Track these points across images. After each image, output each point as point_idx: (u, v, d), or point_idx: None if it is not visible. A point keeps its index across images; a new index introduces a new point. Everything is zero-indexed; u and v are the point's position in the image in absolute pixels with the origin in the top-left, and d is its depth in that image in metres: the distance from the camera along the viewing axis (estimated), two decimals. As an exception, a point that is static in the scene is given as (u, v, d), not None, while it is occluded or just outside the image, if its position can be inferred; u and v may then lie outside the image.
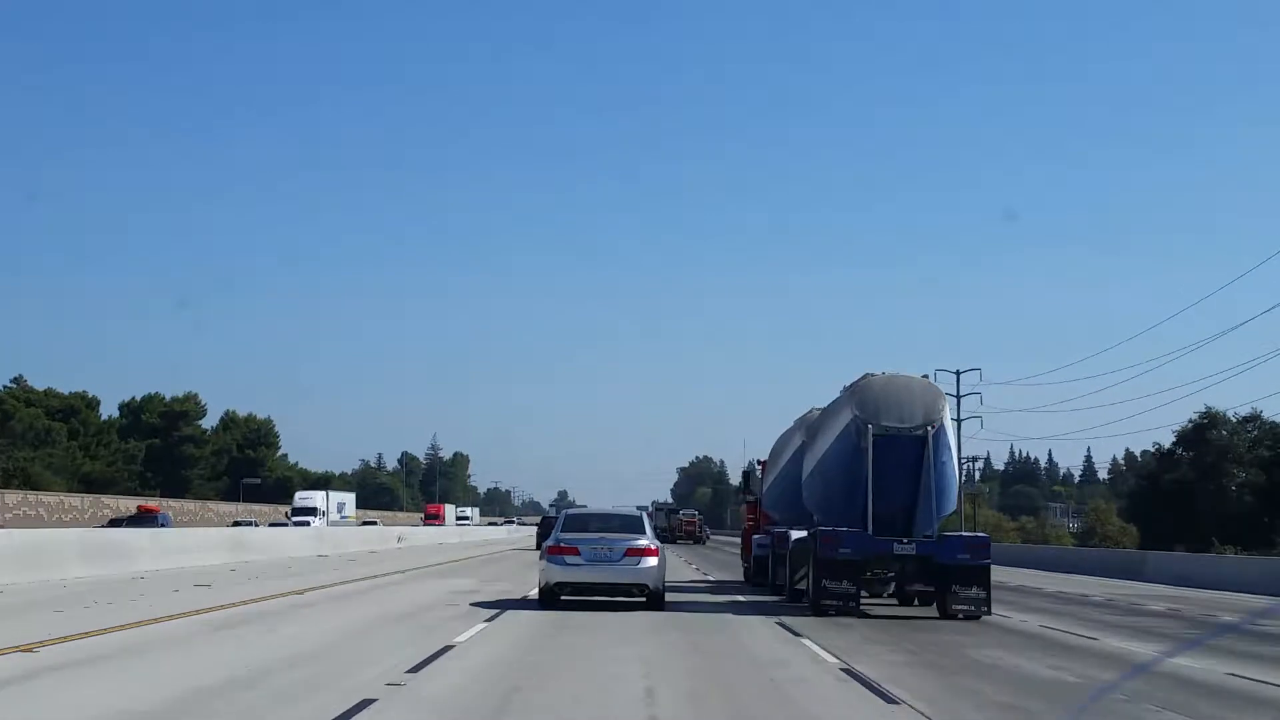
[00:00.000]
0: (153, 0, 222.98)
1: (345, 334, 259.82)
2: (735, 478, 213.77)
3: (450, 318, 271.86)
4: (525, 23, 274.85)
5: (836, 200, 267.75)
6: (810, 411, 27.58)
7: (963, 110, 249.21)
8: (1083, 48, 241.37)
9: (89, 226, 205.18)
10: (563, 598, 20.73)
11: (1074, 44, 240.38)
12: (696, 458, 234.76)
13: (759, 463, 33.52)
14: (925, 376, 22.19)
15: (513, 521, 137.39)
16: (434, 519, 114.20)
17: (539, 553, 22.57)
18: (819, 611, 20.82)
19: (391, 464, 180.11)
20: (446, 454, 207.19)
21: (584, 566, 20.24)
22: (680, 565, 43.89)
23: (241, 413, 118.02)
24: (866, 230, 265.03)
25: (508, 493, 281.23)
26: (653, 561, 20.44)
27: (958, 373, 78.17)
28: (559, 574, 20.40)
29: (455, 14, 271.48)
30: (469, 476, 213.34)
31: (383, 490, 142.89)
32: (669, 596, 22.21)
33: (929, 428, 21.02)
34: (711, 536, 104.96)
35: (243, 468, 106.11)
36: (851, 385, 22.15)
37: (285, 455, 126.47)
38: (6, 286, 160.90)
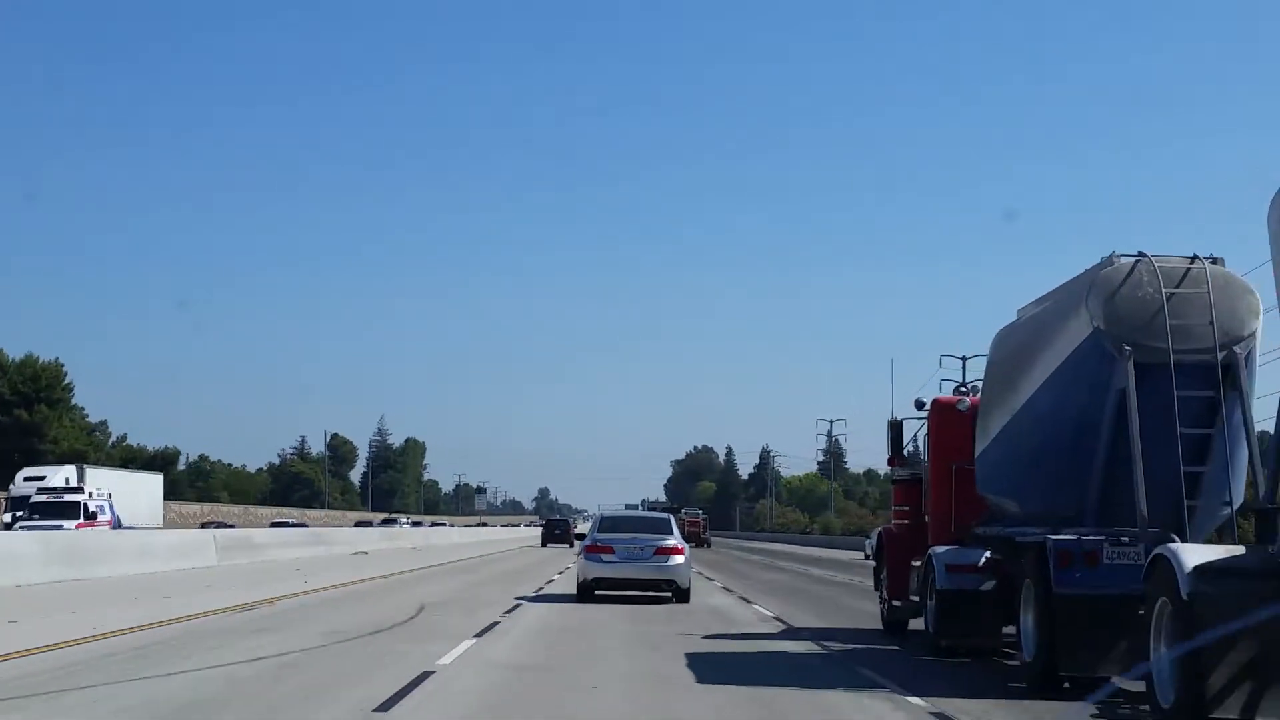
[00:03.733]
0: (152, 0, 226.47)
1: (342, 333, 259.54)
2: (746, 467, 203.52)
3: (426, 309, 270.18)
4: (526, 22, 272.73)
5: (836, 200, 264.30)
6: (1112, 260, 12.28)
7: (963, 110, 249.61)
8: (1084, 48, 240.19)
9: (88, 226, 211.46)
10: (596, 592, 23.38)
11: (1074, 44, 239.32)
12: (695, 448, 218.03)
13: (924, 405, 17.94)
14: None
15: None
16: None
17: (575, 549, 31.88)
18: None
19: (320, 450, 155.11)
20: (397, 440, 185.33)
21: (618, 564, 23.17)
22: (714, 594, 28.31)
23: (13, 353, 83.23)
24: (866, 229, 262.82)
25: (480, 489, 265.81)
26: (680, 560, 23.32)
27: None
28: (595, 570, 23.29)
29: (455, 14, 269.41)
30: (423, 468, 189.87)
31: (300, 482, 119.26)
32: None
33: None
34: (713, 540, 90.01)
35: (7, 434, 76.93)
36: None
37: (105, 423, 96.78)
38: (5, 286, 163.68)
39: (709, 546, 77.52)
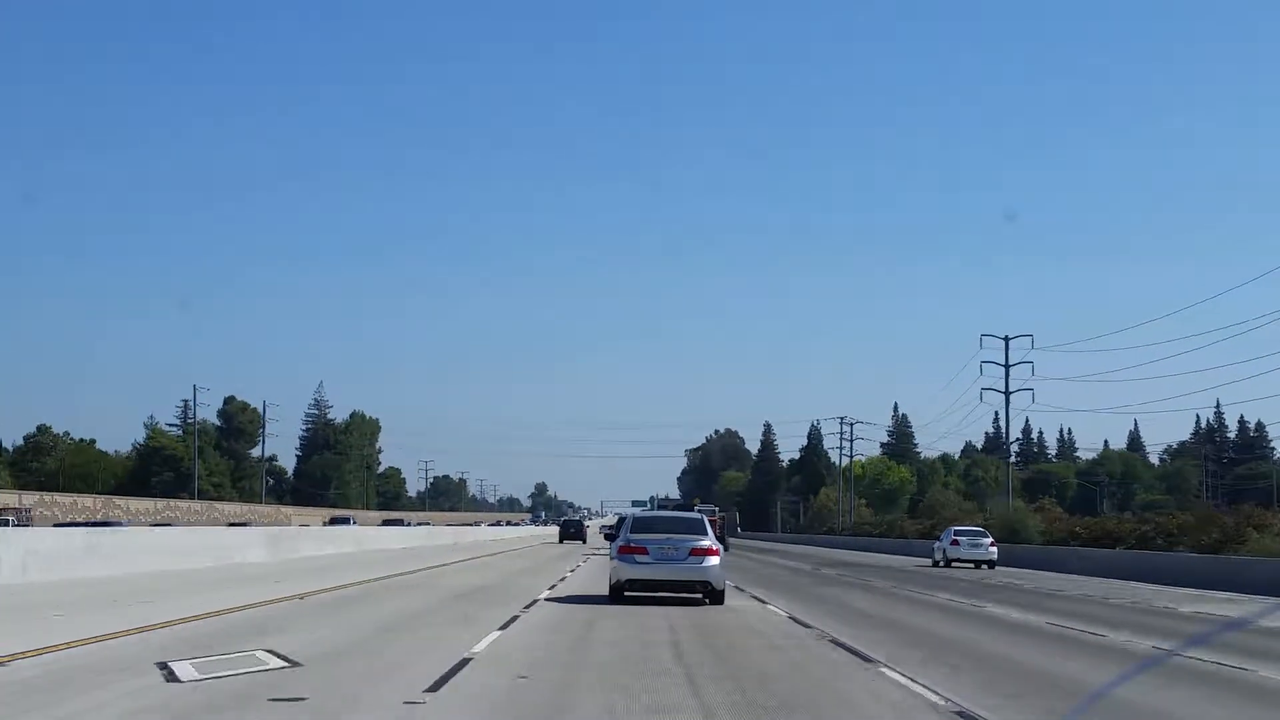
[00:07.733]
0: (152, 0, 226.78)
1: (344, 332, 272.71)
2: (789, 448, 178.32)
3: (423, 305, 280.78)
4: (526, 22, 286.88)
5: (837, 200, 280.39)
6: None
7: (964, 110, 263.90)
8: (1084, 48, 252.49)
9: (88, 227, 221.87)
10: (626, 593, 23.98)
11: (1075, 44, 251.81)
12: (716, 432, 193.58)
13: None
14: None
15: None
16: None
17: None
18: None
19: (210, 420, 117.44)
20: (339, 414, 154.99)
21: (652, 565, 23.64)
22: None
23: None
24: (867, 229, 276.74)
25: (461, 482, 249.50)
26: (714, 561, 23.84)
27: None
28: (629, 572, 23.82)
29: (455, 13, 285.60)
30: (377, 451, 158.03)
31: (167, 461, 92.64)
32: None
33: None
34: (750, 546, 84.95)
35: None
36: None
37: None
38: (5, 287, 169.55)
39: (725, 550, 59.85)
